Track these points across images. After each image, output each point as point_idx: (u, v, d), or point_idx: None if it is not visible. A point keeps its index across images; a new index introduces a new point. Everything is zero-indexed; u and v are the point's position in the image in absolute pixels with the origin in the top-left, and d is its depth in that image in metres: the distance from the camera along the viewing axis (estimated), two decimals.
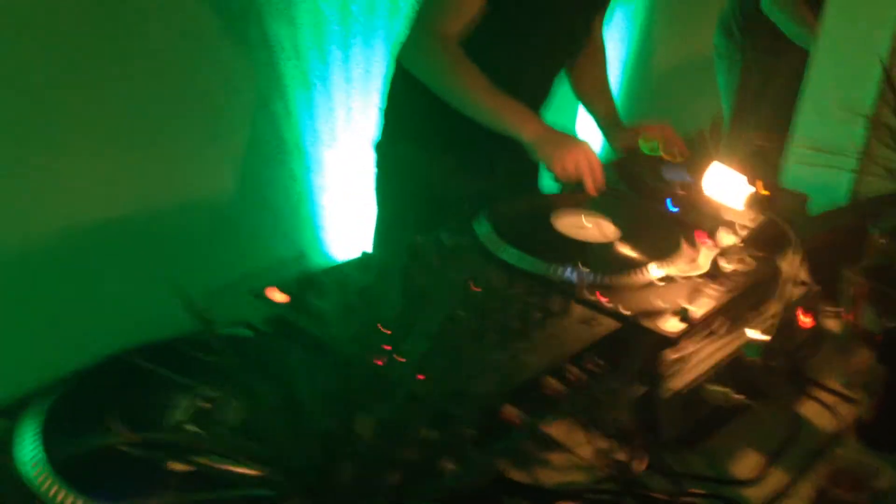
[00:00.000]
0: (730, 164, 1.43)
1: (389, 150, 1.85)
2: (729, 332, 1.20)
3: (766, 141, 2.99)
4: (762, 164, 1.54)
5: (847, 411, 1.19)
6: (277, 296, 1.16)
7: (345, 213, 2.53)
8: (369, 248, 2.10)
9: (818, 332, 1.34)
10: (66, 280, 1.92)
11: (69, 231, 1.92)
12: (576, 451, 1.02)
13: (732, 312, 1.24)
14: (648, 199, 1.62)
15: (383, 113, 1.85)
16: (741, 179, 1.40)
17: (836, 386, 1.25)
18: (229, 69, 2.10)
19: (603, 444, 1.04)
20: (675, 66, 3.65)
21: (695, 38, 3.42)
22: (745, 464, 1.08)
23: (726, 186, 1.41)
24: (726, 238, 1.38)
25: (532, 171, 1.99)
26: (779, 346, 1.18)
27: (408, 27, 1.57)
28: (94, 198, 1.95)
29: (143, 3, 1.89)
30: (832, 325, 1.39)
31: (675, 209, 1.59)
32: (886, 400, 1.10)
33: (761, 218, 1.40)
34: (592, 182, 1.47)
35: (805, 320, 1.30)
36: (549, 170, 1.50)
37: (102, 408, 0.86)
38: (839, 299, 1.35)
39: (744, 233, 1.39)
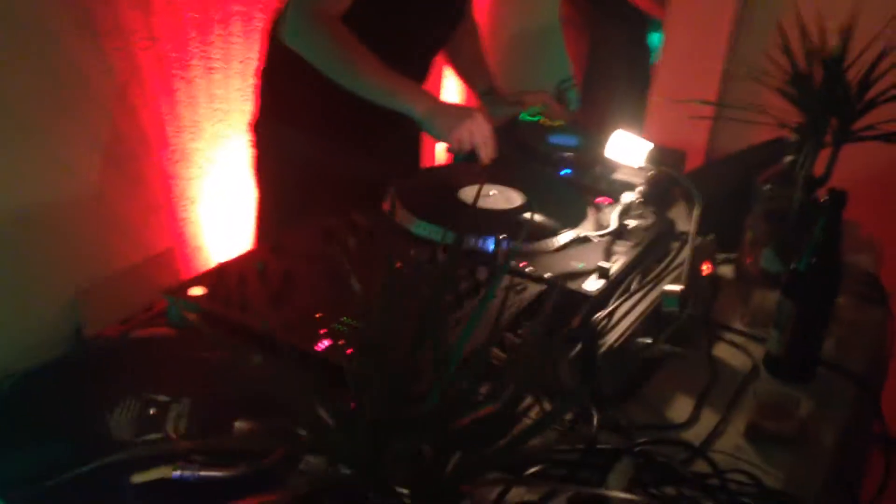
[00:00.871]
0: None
1: (267, 131, 1.79)
2: (642, 286, 1.24)
3: (617, 105, 3.13)
4: (623, 125, 1.59)
5: (756, 349, 1.27)
6: (196, 290, 1.10)
7: (216, 204, 2.43)
8: (249, 233, 2.03)
9: (715, 279, 1.42)
10: None
11: None
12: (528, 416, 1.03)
13: (642, 266, 1.29)
14: (541, 165, 1.66)
15: (261, 93, 1.78)
16: (641, 140, 1.45)
17: (742, 327, 1.32)
18: (80, 61, 1.95)
19: (549, 406, 1.06)
20: (522, 34, 3.73)
21: (541, 7, 3.50)
22: (678, 409, 1.13)
23: (627, 148, 1.46)
24: (626, 197, 1.43)
25: (412, 147, 1.98)
26: (690, 295, 1.24)
27: (291, 8, 1.51)
28: None
29: None
30: (726, 270, 1.47)
31: (569, 171, 1.63)
32: (794, 335, 1.18)
33: (653, 173, 1.46)
34: (486, 152, 1.48)
35: (705, 268, 1.37)
36: (444, 141, 1.50)
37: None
38: (734, 246, 1.44)
39: (641, 190, 1.44)
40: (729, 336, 1.31)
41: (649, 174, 1.44)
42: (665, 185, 1.49)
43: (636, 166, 1.46)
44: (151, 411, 0.83)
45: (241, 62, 2.39)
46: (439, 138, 1.48)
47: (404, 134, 1.83)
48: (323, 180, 1.71)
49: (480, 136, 1.48)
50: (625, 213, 1.39)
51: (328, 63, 1.50)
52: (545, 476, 0.93)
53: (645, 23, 3.42)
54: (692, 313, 1.21)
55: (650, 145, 1.45)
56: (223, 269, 1.16)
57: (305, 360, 0.99)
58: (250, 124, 1.81)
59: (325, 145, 1.74)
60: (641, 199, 1.42)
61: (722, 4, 2.01)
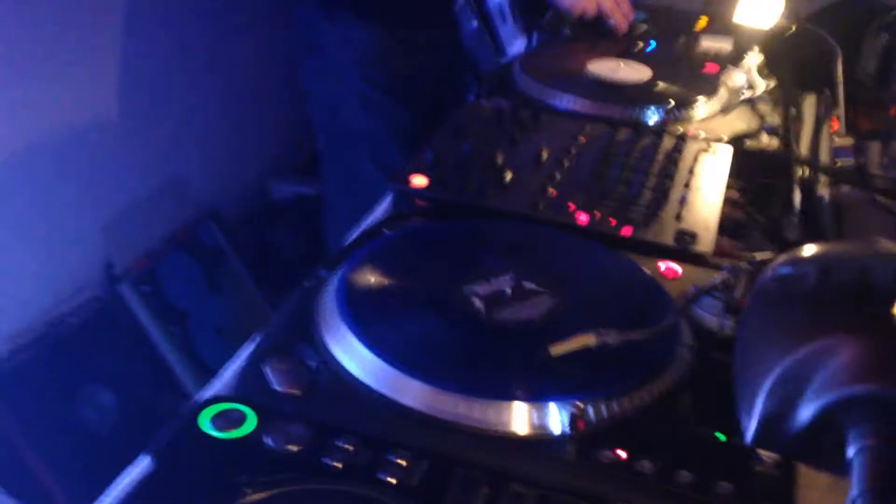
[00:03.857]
0: None
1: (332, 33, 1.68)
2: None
3: None
4: None
5: None
6: (419, 180, 1.02)
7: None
8: None
9: None
10: None
11: None
12: None
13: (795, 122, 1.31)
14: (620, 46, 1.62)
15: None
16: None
17: None
18: None
19: None
20: None
21: None
22: None
23: (758, 8, 1.45)
24: (752, 59, 1.43)
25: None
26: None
27: None
28: None
29: None
30: None
31: (653, 45, 1.62)
32: None
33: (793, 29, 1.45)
34: (619, 17, 1.45)
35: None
36: (571, 12, 1.45)
37: None
38: None
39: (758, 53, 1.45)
40: None
41: (788, 31, 1.44)
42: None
43: (767, 27, 1.46)
44: None
45: None
46: (567, 7, 1.44)
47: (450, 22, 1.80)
48: (389, 70, 1.65)
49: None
50: (758, 73, 1.39)
51: None
52: None
53: None
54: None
55: (781, 3, 1.45)
56: (431, 155, 1.07)
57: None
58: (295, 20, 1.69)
59: (386, 31, 1.68)
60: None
61: None
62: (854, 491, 0.37)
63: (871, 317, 0.38)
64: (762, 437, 0.43)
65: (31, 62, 1.65)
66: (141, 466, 0.63)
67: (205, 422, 0.64)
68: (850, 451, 0.37)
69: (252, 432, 0.64)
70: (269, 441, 0.63)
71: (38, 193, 1.72)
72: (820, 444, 0.39)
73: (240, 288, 2.28)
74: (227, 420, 0.64)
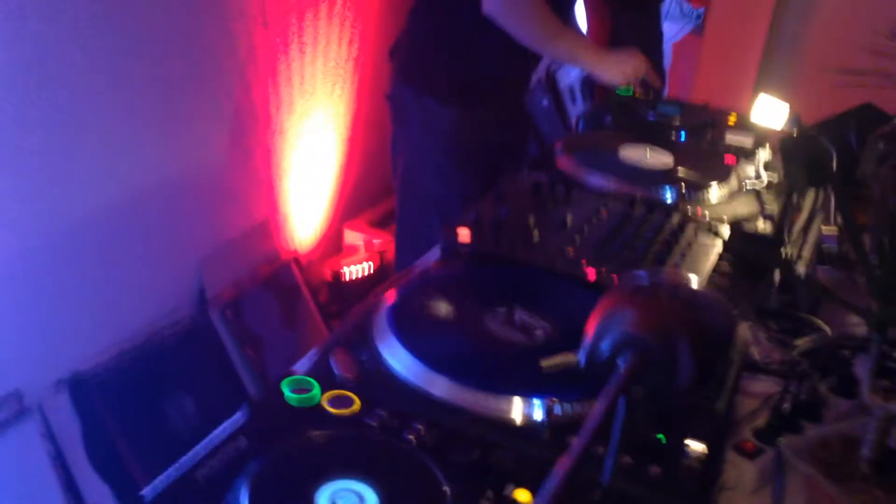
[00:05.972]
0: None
1: (408, 102, 1.97)
2: (803, 228, 1.48)
3: None
4: None
5: None
6: (463, 233, 1.28)
7: (303, 177, 2.58)
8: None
9: None
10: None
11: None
12: None
13: (790, 212, 1.53)
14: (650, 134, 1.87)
15: (403, 67, 1.97)
16: (781, 104, 1.69)
17: None
18: (211, 40, 2.09)
19: None
20: None
21: None
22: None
23: (770, 112, 1.69)
24: (762, 154, 1.66)
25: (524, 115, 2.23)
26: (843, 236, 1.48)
27: None
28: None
29: None
30: None
31: (683, 136, 1.86)
32: None
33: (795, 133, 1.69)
34: (653, 79, 1.76)
35: None
36: (615, 83, 1.76)
37: None
38: None
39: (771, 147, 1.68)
40: None
41: (788, 134, 1.67)
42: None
43: (778, 128, 1.70)
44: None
45: (325, 45, 2.54)
46: (612, 81, 1.74)
47: (519, 103, 2.09)
48: (463, 144, 1.92)
49: (644, 69, 1.75)
50: (766, 167, 1.62)
51: (526, 29, 1.75)
52: None
53: (659, 9, 3.69)
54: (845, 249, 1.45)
55: (787, 107, 1.68)
56: (475, 215, 1.33)
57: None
58: (387, 96, 1.99)
59: (465, 112, 1.95)
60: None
61: None
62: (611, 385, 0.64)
63: (641, 300, 0.64)
64: (587, 360, 0.69)
65: (159, 117, 1.99)
66: (238, 418, 0.89)
67: (285, 388, 0.90)
68: (619, 363, 0.61)
69: (316, 399, 0.90)
70: (327, 404, 0.89)
71: (150, 227, 2.04)
72: (610, 363, 0.63)
73: (312, 324, 2.56)
74: (300, 387, 0.90)
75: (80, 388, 1.91)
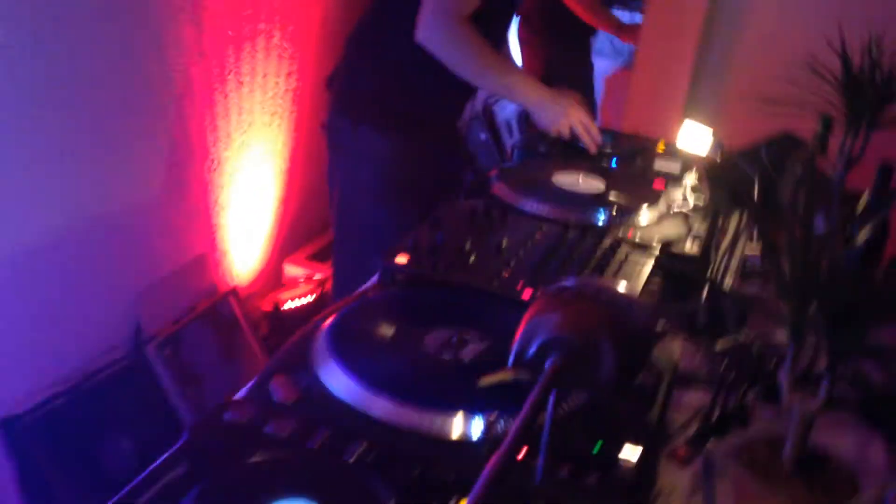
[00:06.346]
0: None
1: (344, 130, 1.99)
2: (728, 248, 1.54)
3: None
4: None
5: None
6: (401, 258, 1.30)
7: (242, 210, 2.58)
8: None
9: None
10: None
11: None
12: None
13: (717, 233, 1.59)
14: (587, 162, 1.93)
15: (338, 95, 1.99)
16: (705, 129, 1.75)
17: None
18: (149, 73, 2.08)
19: None
20: None
21: None
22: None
23: (695, 137, 1.76)
24: (689, 179, 1.73)
25: (457, 142, 2.26)
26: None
27: (428, 11, 1.73)
28: None
29: None
30: None
31: (614, 162, 1.92)
32: None
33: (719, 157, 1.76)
34: (589, 140, 1.77)
35: None
36: (549, 131, 1.78)
37: None
38: None
39: (699, 171, 1.75)
40: None
41: (713, 160, 1.74)
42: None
43: (703, 153, 1.76)
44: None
45: (263, 76, 2.55)
46: (546, 128, 1.76)
47: (455, 130, 2.12)
48: (399, 173, 1.95)
49: (581, 125, 1.78)
50: (692, 191, 1.68)
51: (461, 61, 1.76)
52: None
53: (589, 43, 3.81)
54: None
55: (711, 131, 1.75)
56: (412, 241, 1.36)
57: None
58: (323, 126, 2.01)
59: (401, 141, 1.97)
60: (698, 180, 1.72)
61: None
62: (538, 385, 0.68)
63: (566, 303, 0.68)
64: (516, 362, 0.72)
65: (93, 150, 1.97)
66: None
67: (224, 414, 0.90)
68: (546, 363, 0.64)
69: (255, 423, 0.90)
70: (267, 429, 0.89)
71: (83, 264, 2.01)
72: (538, 364, 0.66)
73: (251, 357, 2.54)
74: (239, 414, 0.90)
75: (14, 429, 1.86)
